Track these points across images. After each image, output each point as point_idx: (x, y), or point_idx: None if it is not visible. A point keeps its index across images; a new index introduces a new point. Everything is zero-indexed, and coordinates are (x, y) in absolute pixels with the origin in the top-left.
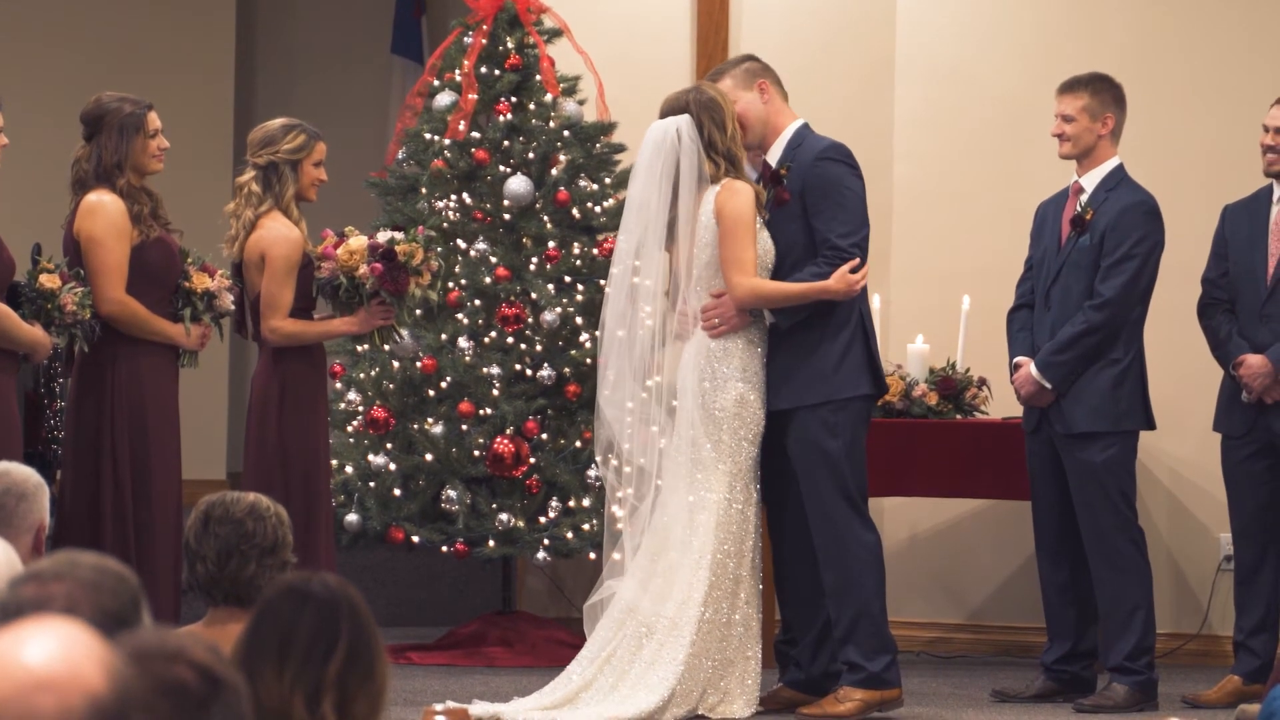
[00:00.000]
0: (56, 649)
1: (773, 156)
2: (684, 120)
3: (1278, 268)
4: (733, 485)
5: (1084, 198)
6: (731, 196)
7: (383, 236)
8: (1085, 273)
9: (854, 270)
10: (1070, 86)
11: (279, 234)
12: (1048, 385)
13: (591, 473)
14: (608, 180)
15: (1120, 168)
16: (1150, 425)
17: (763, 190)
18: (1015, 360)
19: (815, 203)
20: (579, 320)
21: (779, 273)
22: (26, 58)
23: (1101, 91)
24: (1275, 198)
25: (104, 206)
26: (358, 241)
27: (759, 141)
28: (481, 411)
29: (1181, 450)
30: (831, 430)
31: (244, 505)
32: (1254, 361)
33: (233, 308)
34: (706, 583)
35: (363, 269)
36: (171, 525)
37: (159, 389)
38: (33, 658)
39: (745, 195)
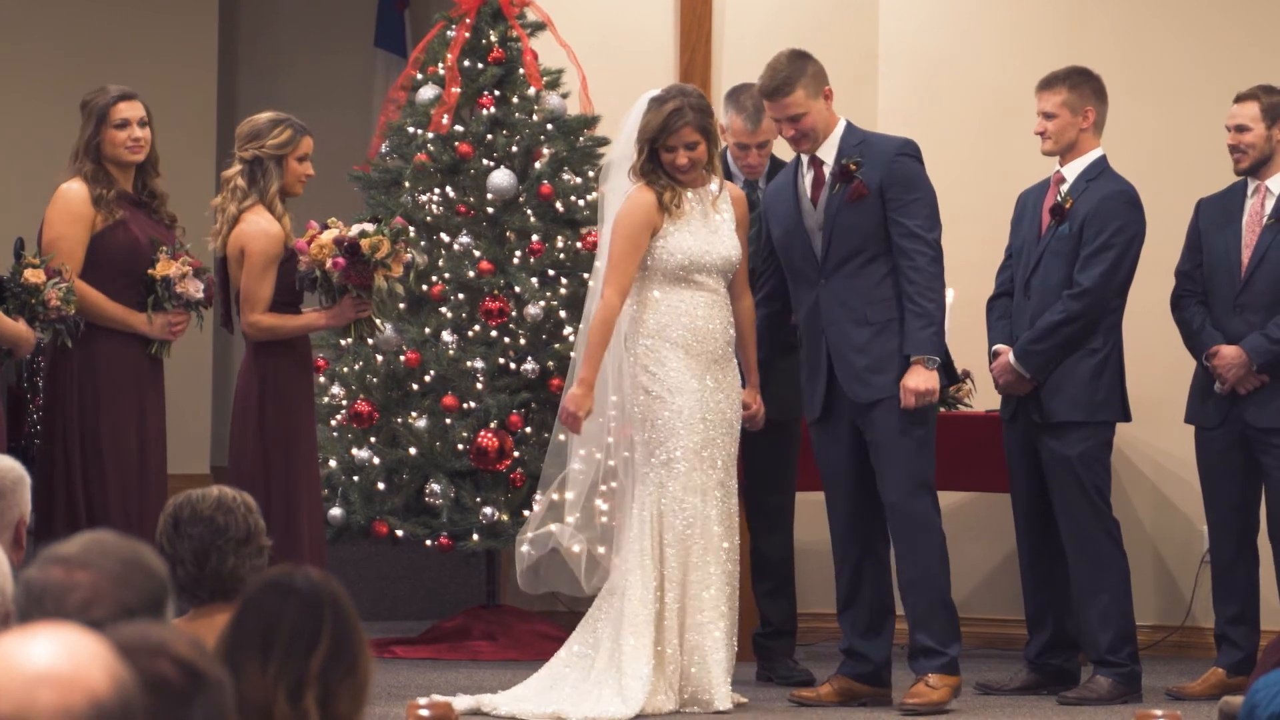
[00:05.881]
0: (62, 649)
1: (826, 153)
2: (645, 98)
3: (1252, 260)
4: (664, 482)
5: (1064, 187)
6: (626, 204)
7: (356, 229)
8: (1064, 262)
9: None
10: (1049, 83)
11: (259, 229)
12: (1025, 374)
13: (575, 465)
14: (591, 174)
15: (1103, 158)
16: (1126, 417)
17: (653, 198)
18: (994, 348)
19: (898, 196)
20: (562, 314)
21: (852, 263)
22: (5, 50)
23: (1080, 85)
24: (1250, 191)
25: (62, 194)
26: (328, 235)
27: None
28: (465, 405)
29: (1163, 443)
30: (917, 420)
31: (210, 501)
32: (1228, 352)
33: (200, 295)
34: (655, 579)
35: (329, 263)
36: (130, 518)
37: (115, 377)
38: (38, 654)
39: (634, 207)
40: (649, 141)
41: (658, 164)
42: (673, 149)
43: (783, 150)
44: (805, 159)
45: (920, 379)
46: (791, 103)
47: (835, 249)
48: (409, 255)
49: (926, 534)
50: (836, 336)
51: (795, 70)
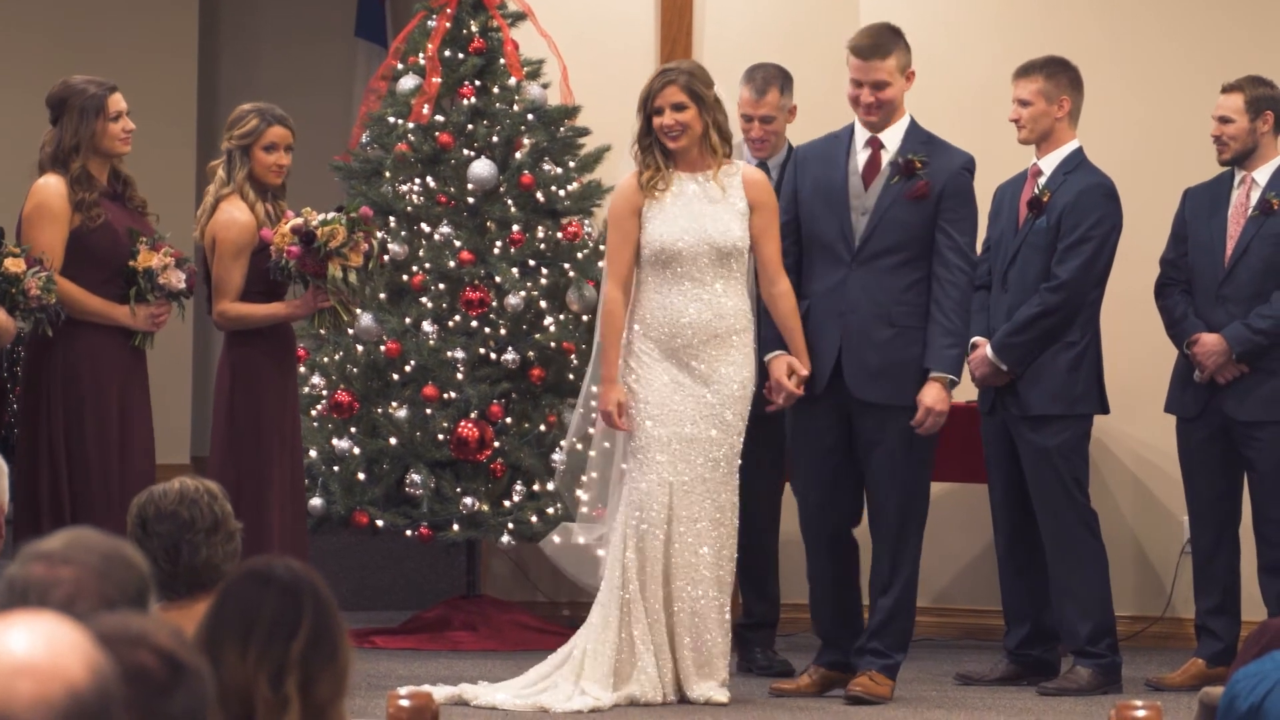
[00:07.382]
0: (41, 639)
1: (889, 139)
2: None
3: (1235, 251)
4: (634, 476)
5: (1042, 180)
6: (613, 194)
7: (318, 218)
8: (1042, 254)
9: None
10: (1025, 71)
11: (229, 218)
12: (1003, 367)
13: (556, 456)
14: (572, 164)
15: (1079, 150)
16: (1104, 409)
17: (633, 181)
18: (972, 341)
19: (954, 208)
20: (543, 304)
21: (890, 258)
22: None
23: (1056, 74)
24: (1236, 181)
25: (44, 189)
26: (290, 224)
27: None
28: (446, 395)
29: (1143, 434)
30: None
31: (173, 496)
32: (1209, 340)
33: (182, 286)
34: (620, 572)
35: (286, 251)
36: (114, 509)
37: (98, 370)
38: (16, 645)
39: (617, 194)
40: (643, 106)
41: (653, 135)
42: (660, 110)
43: (794, 139)
44: (859, 134)
45: (938, 398)
46: (883, 67)
47: (877, 239)
48: (366, 245)
49: (908, 549)
50: (856, 326)
51: (894, 39)
